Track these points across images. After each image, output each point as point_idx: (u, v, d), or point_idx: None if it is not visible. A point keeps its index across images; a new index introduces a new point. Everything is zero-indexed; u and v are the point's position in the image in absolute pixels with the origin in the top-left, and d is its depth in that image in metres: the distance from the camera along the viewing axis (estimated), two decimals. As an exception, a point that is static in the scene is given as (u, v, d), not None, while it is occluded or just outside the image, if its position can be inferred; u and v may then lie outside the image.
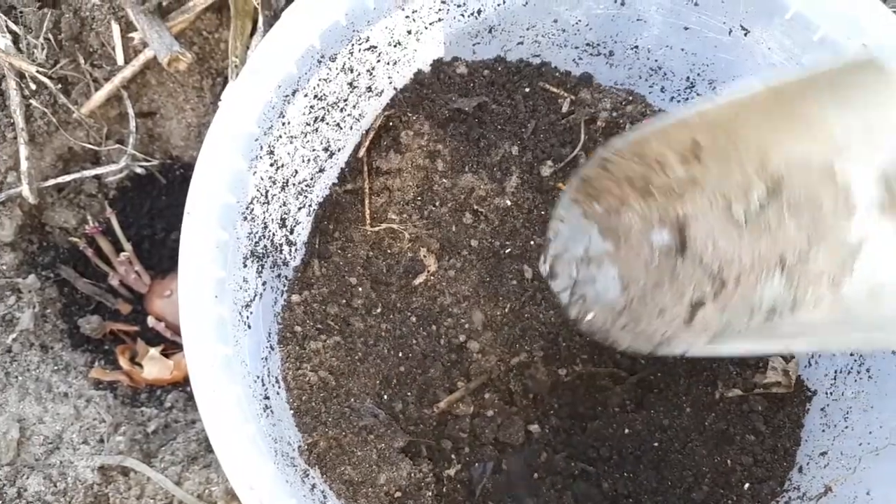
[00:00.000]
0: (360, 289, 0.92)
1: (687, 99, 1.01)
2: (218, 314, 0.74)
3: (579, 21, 0.98)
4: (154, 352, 1.12)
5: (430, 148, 0.93)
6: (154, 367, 1.11)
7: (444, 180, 0.93)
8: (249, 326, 0.81)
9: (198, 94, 1.15)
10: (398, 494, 0.84)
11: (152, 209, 1.21)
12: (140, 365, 1.12)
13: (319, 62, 0.84)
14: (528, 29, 0.98)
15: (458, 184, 0.93)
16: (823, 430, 0.90)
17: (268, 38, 0.80)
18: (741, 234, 0.71)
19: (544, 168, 0.93)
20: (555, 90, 0.97)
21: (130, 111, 1.14)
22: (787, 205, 0.68)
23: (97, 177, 1.17)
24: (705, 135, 0.70)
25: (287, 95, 0.82)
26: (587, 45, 1.00)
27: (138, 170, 1.17)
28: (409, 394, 0.91)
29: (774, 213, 0.69)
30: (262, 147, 0.82)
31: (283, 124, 0.84)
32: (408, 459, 0.86)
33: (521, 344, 0.94)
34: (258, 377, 0.80)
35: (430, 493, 0.86)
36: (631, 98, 0.97)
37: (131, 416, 1.06)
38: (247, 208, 0.82)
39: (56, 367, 1.08)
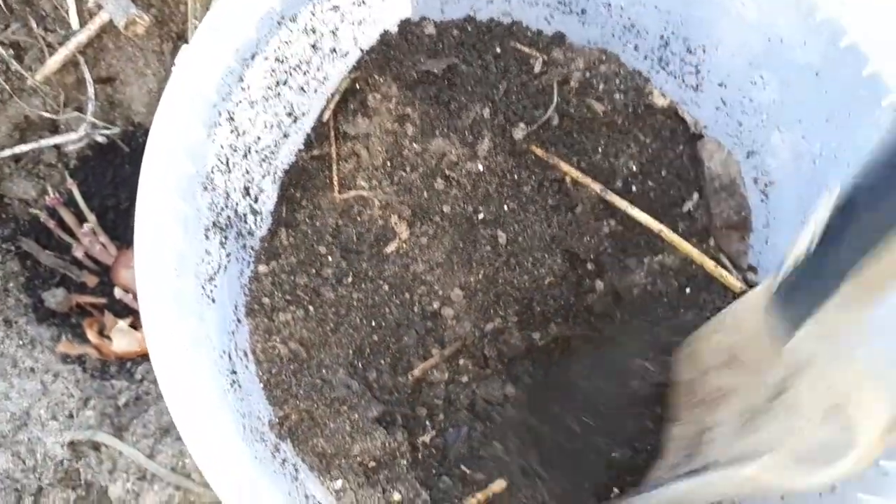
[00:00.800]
0: (330, 258, 0.90)
1: (661, 58, 0.99)
2: (178, 289, 0.72)
3: (551, -23, 0.95)
4: (122, 324, 1.11)
5: (399, 112, 0.91)
6: (123, 339, 1.10)
7: (414, 145, 0.91)
8: (214, 300, 0.79)
9: (158, 59, 1.11)
10: (372, 464, 0.84)
11: (115, 178, 1.18)
12: (109, 338, 1.10)
13: (279, 23, 0.81)
14: (498, -14, 0.95)
15: (429, 148, 0.91)
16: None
17: (224, -2, 0.76)
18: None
19: (517, 131, 0.91)
20: (526, 50, 0.95)
21: (88, 77, 1.10)
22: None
23: (56, 146, 1.14)
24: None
25: (246, 59, 0.79)
26: (559, 3, 0.98)
27: (99, 138, 1.14)
28: (382, 362, 0.90)
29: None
30: (220, 113, 0.79)
31: (243, 89, 0.81)
32: (382, 429, 0.85)
33: (496, 309, 0.94)
34: (224, 352, 0.78)
35: (404, 462, 0.86)
36: (604, 57, 0.95)
37: (101, 389, 1.04)
38: (206, 178, 0.79)
39: (21, 342, 1.05)
